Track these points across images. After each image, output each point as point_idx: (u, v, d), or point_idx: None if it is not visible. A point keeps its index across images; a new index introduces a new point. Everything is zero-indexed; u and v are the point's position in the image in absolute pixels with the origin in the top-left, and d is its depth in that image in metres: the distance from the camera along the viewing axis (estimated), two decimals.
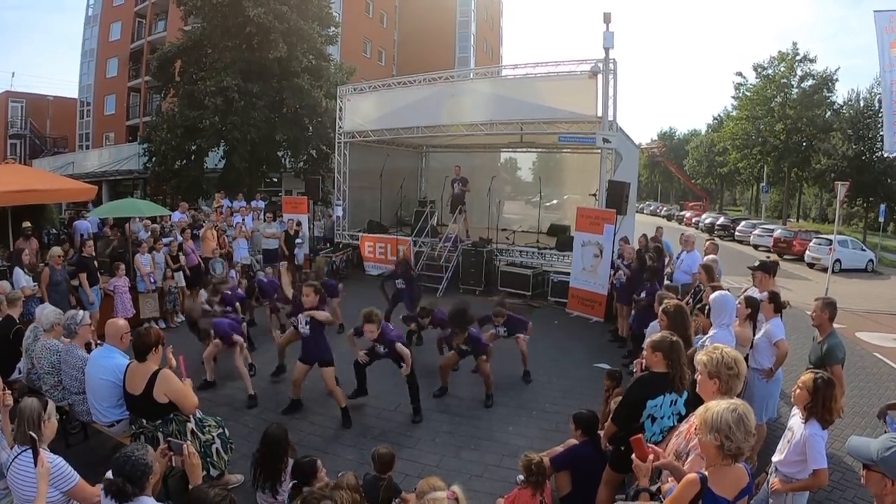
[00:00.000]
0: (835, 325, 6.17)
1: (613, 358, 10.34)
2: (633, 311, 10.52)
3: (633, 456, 3.56)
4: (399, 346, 7.59)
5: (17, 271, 10.00)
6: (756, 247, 34.07)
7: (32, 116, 48.46)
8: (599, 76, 14.07)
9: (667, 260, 12.87)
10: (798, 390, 4.37)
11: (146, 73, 38.63)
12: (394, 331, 7.93)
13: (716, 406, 3.07)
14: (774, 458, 4.52)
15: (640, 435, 3.71)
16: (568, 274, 14.52)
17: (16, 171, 13.97)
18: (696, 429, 3.20)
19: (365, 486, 4.78)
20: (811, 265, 27.90)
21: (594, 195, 15.76)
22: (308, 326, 7.47)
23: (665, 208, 68.66)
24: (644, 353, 4.80)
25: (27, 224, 12.55)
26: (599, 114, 14.22)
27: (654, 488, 3.65)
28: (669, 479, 3.68)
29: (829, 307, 6.11)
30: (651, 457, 3.57)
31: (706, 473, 3.08)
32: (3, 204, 11.99)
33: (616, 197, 13.27)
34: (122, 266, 11.37)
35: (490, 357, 8.61)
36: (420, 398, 7.90)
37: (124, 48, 44.69)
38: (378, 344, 7.65)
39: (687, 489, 3.09)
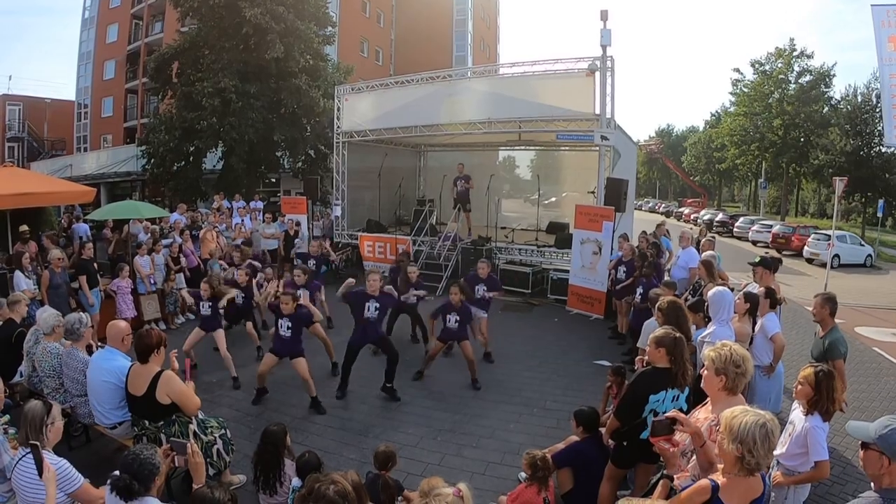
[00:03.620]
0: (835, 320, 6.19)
1: (613, 355, 10.32)
2: (631, 308, 10.54)
3: (672, 418, 3.54)
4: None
5: (18, 274, 10.00)
6: (755, 243, 34.07)
7: (30, 119, 48.37)
8: (597, 74, 14.05)
9: (666, 256, 12.90)
10: (800, 386, 4.40)
11: (143, 74, 38.54)
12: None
13: (743, 416, 3.00)
14: (776, 452, 4.52)
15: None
16: (567, 271, 14.53)
17: (14, 174, 13.94)
18: (719, 432, 3.16)
19: (367, 485, 4.80)
20: (810, 261, 27.87)
21: (593, 192, 15.74)
22: (290, 331, 7.88)
23: (663, 205, 68.51)
24: (647, 349, 4.80)
25: (25, 228, 12.54)
26: (597, 111, 14.21)
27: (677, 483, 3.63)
28: (682, 473, 3.69)
29: (829, 302, 6.14)
30: (678, 447, 3.59)
31: (719, 483, 3.06)
32: (2, 207, 11.98)
33: (615, 194, 13.28)
34: (126, 267, 11.38)
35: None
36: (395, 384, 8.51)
37: (121, 50, 44.60)
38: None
39: (697, 495, 3.08)
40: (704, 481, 3.11)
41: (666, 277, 10.67)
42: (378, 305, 8.41)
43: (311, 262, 12.26)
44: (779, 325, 6.62)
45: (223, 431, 5.77)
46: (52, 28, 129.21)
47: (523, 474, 5.54)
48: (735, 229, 38.86)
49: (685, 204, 62.80)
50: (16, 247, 12.02)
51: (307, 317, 8.09)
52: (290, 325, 7.84)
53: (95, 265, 11.47)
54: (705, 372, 3.90)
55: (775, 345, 6.41)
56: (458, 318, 8.80)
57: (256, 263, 12.19)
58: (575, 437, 5.76)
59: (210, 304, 9.16)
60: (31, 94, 50.55)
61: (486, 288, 10.03)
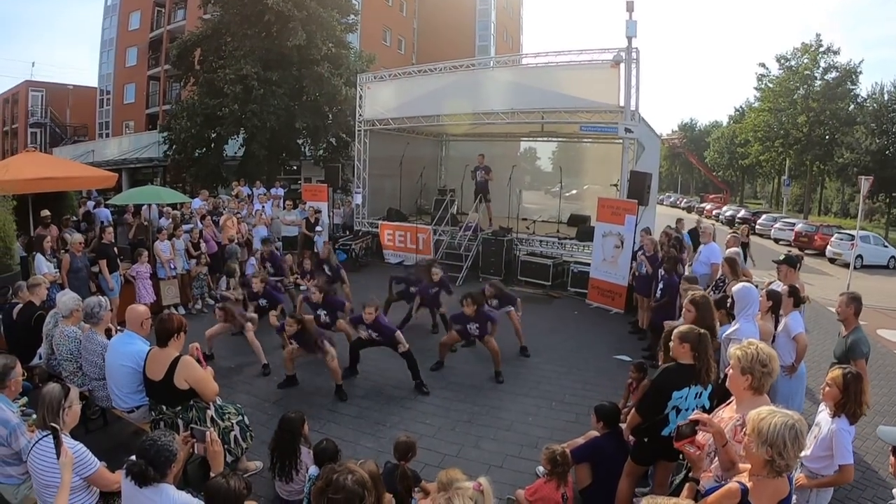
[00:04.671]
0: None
1: (634, 350, 10.28)
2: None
3: (695, 419, 3.51)
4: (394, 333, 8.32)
5: (39, 258, 10.05)
6: (777, 241, 33.71)
7: (52, 105, 48.99)
8: (622, 65, 13.92)
9: (686, 253, 12.75)
10: (828, 387, 4.34)
11: (165, 61, 38.89)
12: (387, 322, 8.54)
13: (771, 417, 2.92)
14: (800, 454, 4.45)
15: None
16: (588, 264, 14.40)
17: (36, 158, 14.00)
18: (745, 435, 3.08)
19: (385, 475, 4.77)
20: (832, 260, 27.49)
21: (615, 185, 15.63)
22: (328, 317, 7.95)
23: (685, 200, 68.01)
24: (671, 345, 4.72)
25: (46, 213, 12.63)
26: (621, 103, 14.08)
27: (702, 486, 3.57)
28: (705, 473, 3.63)
29: (854, 301, 6.03)
30: (703, 449, 3.55)
31: (748, 486, 3.00)
32: (25, 191, 12.03)
33: (638, 187, 13.13)
34: (145, 252, 11.40)
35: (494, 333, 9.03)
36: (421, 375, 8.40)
37: (143, 37, 44.94)
38: (371, 330, 8.27)
39: (727, 498, 3.03)
40: (734, 485, 3.05)
41: (686, 272, 10.56)
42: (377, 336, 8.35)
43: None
44: (803, 324, 6.50)
45: (241, 418, 5.74)
46: (75, 15, 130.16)
47: (541, 468, 5.49)
48: (757, 227, 38.29)
49: (707, 199, 62.31)
50: (37, 231, 12.09)
51: (341, 304, 8.16)
52: (326, 312, 7.91)
53: (116, 249, 11.52)
54: (730, 371, 3.83)
55: (798, 345, 6.29)
56: (477, 326, 8.74)
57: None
58: (595, 432, 5.72)
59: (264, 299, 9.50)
60: (53, 80, 51.07)
61: (498, 302, 9.90)
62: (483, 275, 15.37)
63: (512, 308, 9.97)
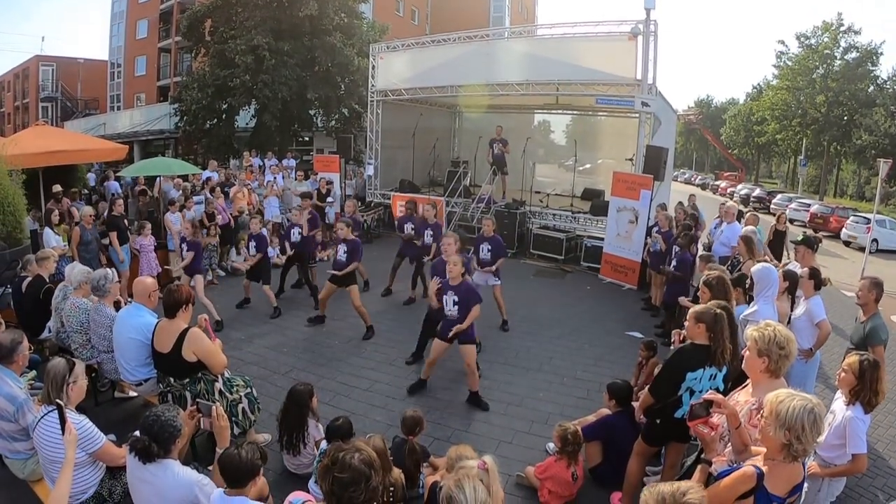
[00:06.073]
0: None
1: (646, 327, 10.20)
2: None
3: (709, 399, 3.43)
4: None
5: (48, 231, 10.05)
6: (791, 221, 33.16)
7: (63, 79, 49.33)
8: (639, 38, 13.63)
9: (700, 230, 12.59)
10: (843, 373, 4.29)
11: (176, 33, 38.71)
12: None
13: (790, 400, 2.85)
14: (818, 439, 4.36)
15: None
16: (601, 239, 14.29)
17: (46, 132, 14.04)
18: (763, 418, 3.00)
19: (393, 449, 4.73)
20: (847, 243, 27.22)
21: (630, 160, 15.42)
22: (456, 307, 6.87)
23: (699, 177, 67.38)
24: (685, 323, 4.60)
25: (58, 188, 12.65)
26: (638, 76, 13.81)
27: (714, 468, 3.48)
28: (719, 457, 3.55)
29: (876, 287, 5.95)
30: (717, 431, 3.48)
31: (764, 469, 2.93)
32: (34, 165, 12.03)
33: (654, 162, 12.92)
34: (148, 225, 11.31)
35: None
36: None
37: (154, 9, 44.68)
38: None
39: (741, 482, 2.96)
40: (749, 468, 3.00)
41: (701, 251, 10.40)
42: (457, 299, 6.93)
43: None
44: (825, 311, 6.35)
45: (249, 390, 5.70)
46: None
47: (551, 445, 5.45)
48: (772, 206, 37.83)
49: (721, 177, 61.82)
50: (48, 205, 12.09)
51: (475, 294, 6.89)
52: (455, 300, 6.82)
53: (126, 221, 11.50)
54: (747, 352, 3.76)
55: (821, 331, 6.17)
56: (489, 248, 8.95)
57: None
58: (606, 410, 5.71)
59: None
60: (64, 54, 51.14)
61: (490, 247, 9.57)
62: None
63: (498, 283, 9.69)
